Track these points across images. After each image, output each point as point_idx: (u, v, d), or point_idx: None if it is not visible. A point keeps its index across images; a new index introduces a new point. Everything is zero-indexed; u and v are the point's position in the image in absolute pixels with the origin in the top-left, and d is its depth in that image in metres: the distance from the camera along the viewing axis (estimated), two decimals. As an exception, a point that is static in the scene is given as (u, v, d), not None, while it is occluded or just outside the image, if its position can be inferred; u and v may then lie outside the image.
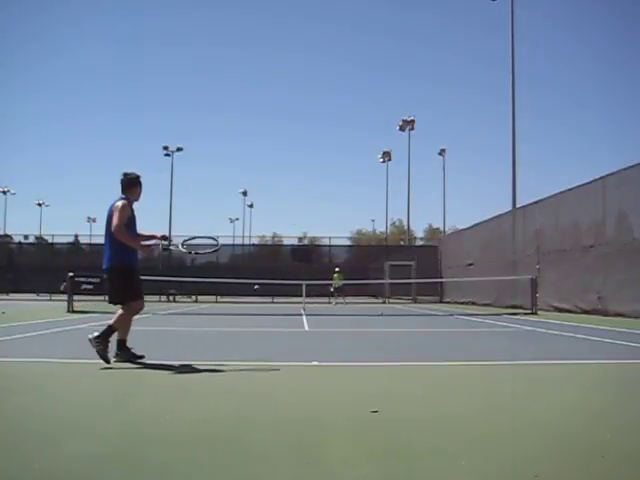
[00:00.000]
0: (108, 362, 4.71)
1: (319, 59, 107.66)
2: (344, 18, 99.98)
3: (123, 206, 4.96)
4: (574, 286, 15.16)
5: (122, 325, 4.98)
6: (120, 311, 4.96)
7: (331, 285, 23.01)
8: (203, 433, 2.70)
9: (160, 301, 25.03)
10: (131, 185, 5.13)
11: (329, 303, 21.90)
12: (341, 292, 23.29)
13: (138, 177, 5.18)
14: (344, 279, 23.29)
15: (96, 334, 4.76)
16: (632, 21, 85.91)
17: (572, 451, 2.46)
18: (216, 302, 25.59)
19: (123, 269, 4.95)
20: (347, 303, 22.97)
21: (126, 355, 5.00)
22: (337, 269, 23.82)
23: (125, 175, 5.12)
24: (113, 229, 4.85)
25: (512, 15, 22.47)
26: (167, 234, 5.42)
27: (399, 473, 2.18)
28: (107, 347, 4.77)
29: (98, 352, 4.70)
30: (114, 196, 5.14)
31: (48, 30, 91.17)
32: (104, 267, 5.02)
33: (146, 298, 5.34)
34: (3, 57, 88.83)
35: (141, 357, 5.04)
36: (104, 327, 4.87)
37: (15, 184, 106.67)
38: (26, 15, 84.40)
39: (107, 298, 5.16)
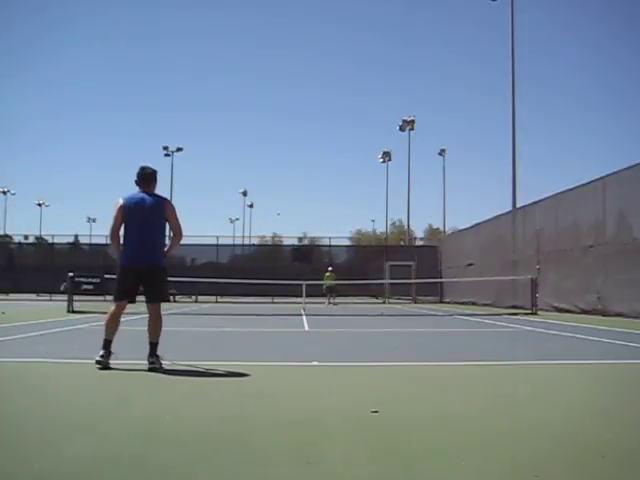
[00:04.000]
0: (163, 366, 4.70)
1: (319, 59, 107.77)
2: (344, 18, 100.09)
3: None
4: (574, 286, 15.16)
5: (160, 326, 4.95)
6: (154, 314, 4.90)
7: (323, 285, 22.81)
8: (203, 433, 2.71)
9: (160, 301, 24.93)
10: (150, 180, 5.04)
11: (322, 304, 21.70)
12: (332, 292, 22.88)
13: (155, 172, 5.12)
14: (335, 279, 22.90)
15: (152, 358, 4.72)
16: (632, 21, 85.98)
17: (572, 451, 2.46)
18: (216, 302, 25.57)
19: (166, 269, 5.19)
20: (337, 304, 22.59)
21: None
22: (330, 269, 23.44)
23: (143, 169, 5.03)
24: (180, 231, 5.00)
25: (512, 15, 22.51)
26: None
27: (399, 473, 2.18)
28: (159, 359, 4.74)
29: (160, 368, 4.65)
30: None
31: (48, 30, 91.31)
32: (157, 262, 4.94)
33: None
34: (3, 57, 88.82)
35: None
36: (152, 347, 4.77)
37: (15, 184, 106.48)
38: (25, 16, 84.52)
39: (156, 296, 4.99)
